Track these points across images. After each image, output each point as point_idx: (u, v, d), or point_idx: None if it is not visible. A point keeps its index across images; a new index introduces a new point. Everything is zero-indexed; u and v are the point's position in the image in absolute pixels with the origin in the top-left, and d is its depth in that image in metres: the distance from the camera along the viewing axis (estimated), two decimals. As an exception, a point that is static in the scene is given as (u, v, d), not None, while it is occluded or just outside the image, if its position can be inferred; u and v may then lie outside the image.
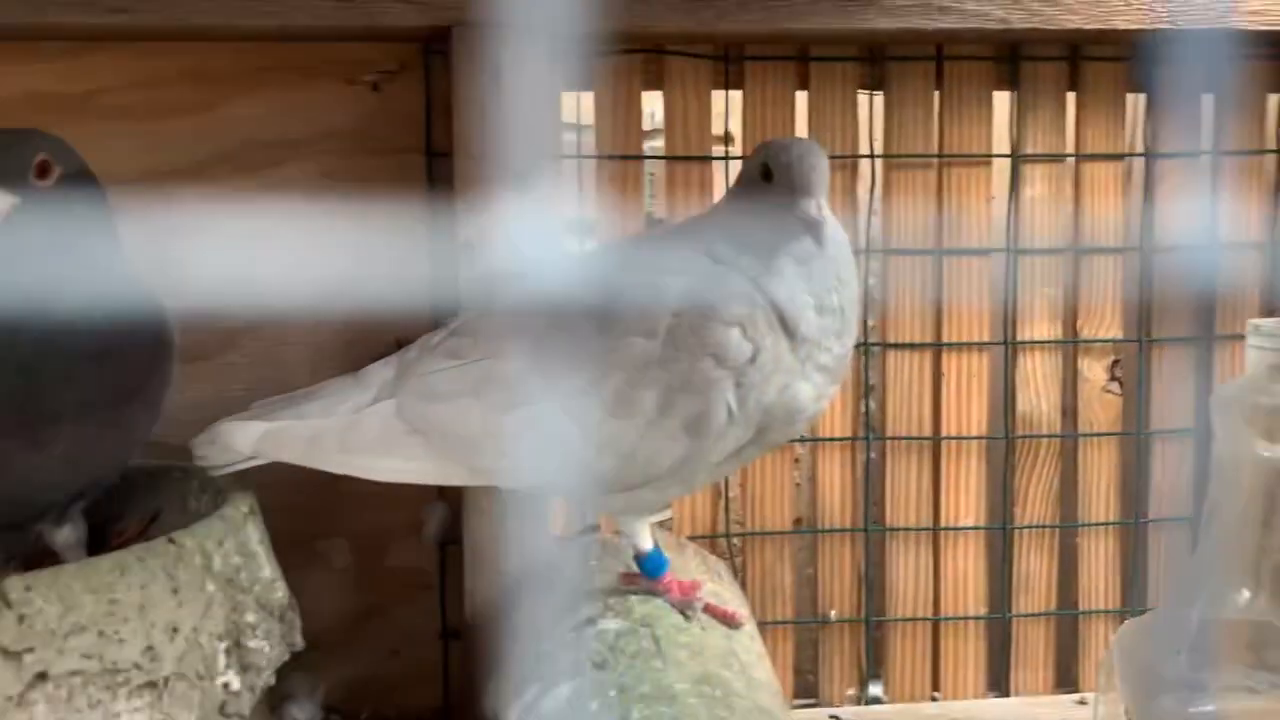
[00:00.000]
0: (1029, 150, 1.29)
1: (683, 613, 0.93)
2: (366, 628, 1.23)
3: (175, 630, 0.78)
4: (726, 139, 1.26)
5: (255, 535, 0.91)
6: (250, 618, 0.86)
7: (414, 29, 1.11)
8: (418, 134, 1.19)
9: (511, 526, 1.16)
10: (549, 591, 1.04)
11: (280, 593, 0.92)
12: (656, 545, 0.96)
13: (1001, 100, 1.30)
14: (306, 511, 1.18)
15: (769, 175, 0.86)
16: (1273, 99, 1.33)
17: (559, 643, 0.91)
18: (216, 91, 1.17)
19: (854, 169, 1.27)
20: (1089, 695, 1.31)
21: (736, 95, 1.25)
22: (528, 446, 0.89)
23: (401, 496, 1.16)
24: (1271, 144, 1.34)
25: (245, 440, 0.93)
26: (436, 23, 1.09)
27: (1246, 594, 0.89)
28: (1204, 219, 1.34)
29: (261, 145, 1.18)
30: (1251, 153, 1.32)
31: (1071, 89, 1.30)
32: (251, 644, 0.85)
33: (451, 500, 1.19)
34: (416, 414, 0.92)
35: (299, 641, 0.93)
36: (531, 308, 0.91)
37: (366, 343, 1.20)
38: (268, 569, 0.91)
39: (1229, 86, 1.31)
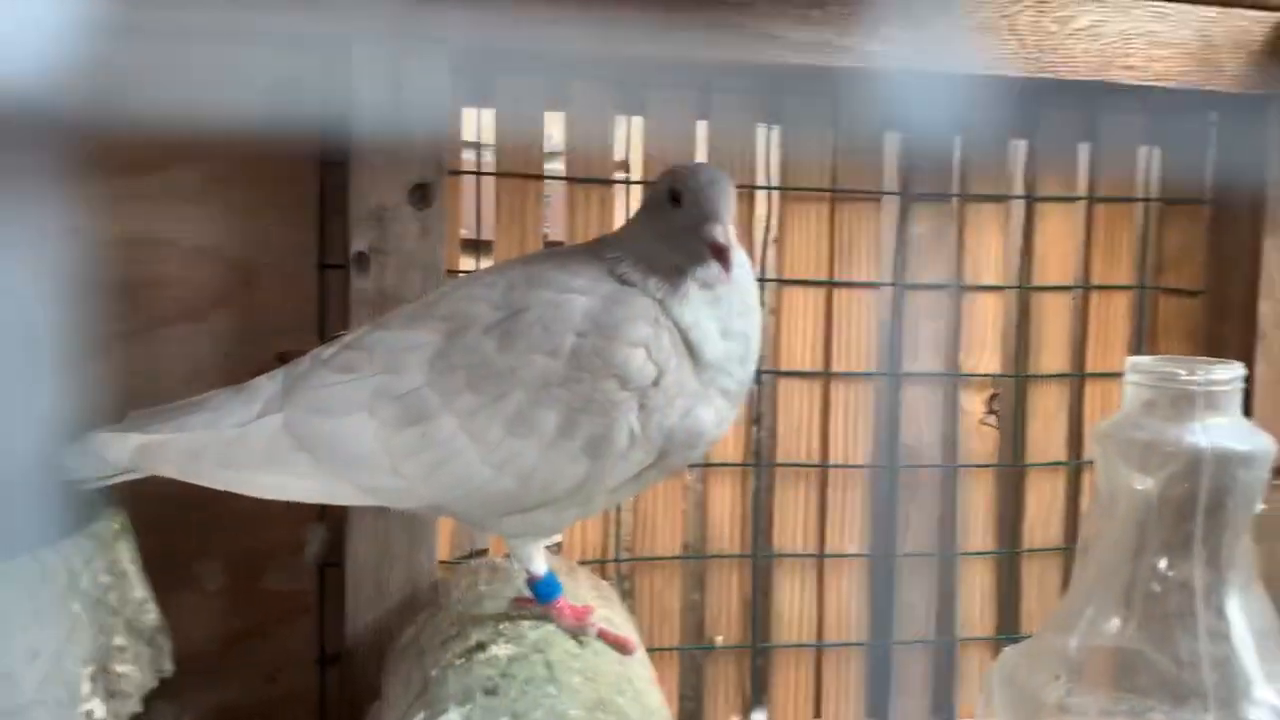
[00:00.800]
0: (918, 189, 1.33)
1: (576, 638, 0.92)
2: (241, 652, 1.18)
3: (36, 654, 0.73)
4: (627, 165, 1.26)
5: (127, 554, 0.86)
6: (119, 641, 0.81)
7: (312, 35, 1.08)
8: (313, 141, 1.16)
9: (397, 547, 1.13)
10: (436, 615, 1.01)
11: (151, 615, 0.87)
12: (550, 570, 0.94)
13: (893, 139, 1.33)
14: (181, 530, 1.13)
15: (677, 199, 0.86)
16: (1142, 150, 1.40)
17: (447, 668, 0.88)
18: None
19: (751, 200, 1.29)
20: (964, 721, 1.34)
21: (638, 121, 1.26)
22: (422, 465, 0.87)
23: (281, 516, 1.12)
24: (1141, 193, 1.41)
25: (120, 452, 0.89)
26: (336, 29, 1.07)
27: (1117, 621, 0.93)
28: (1077, 260, 1.40)
29: (145, 146, 1.12)
30: (1122, 200, 1.39)
31: (958, 131, 1.35)
32: (119, 669, 0.81)
33: (334, 520, 1.15)
34: (305, 429, 0.88)
35: (169, 667, 0.89)
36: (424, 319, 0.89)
37: (246, 355, 1.16)
38: (139, 589, 0.86)
39: (1100, 136, 1.38)
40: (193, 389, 1.13)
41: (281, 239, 1.16)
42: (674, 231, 0.86)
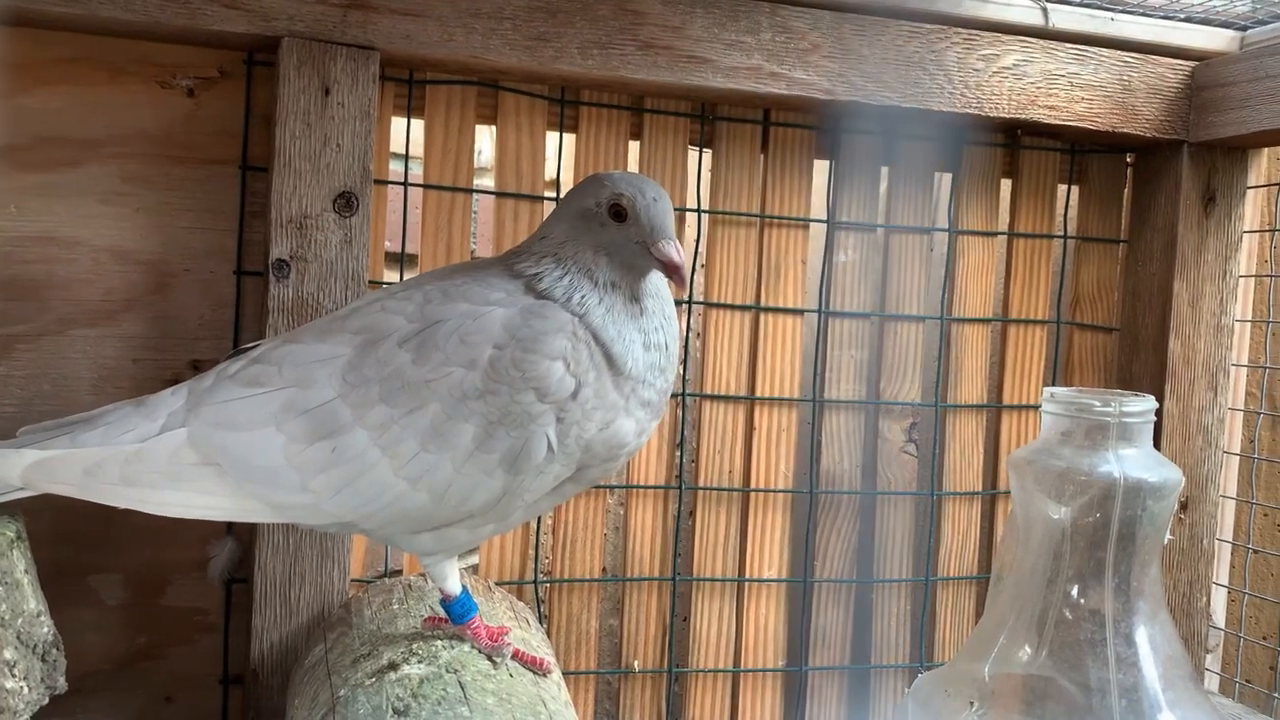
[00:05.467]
0: (844, 218, 1.35)
1: (490, 659, 0.90)
2: (139, 671, 1.13)
3: (-83, 667, 0.69)
4: (558, 183, 1.26)
5: (21, 564, 0.83)
6: (9, 655, 0.77)
7: (241, 35, 1.05)
8: (234, 145, 1.13)
9: (307, 564, 1.10)
10: (347, 634, 0.98)
11: (45, 628, 0.83)
12: (465, 588, 0.92)
13: (821, 168, 1.35)
14: (79, 542, 1.09)
15: (621, 215, 0.86)
16: (1061, 188, 1.44)
17: (357, 688, 0.86)
18: (12, 79, 1.07)
19: (681, 222, 1.29)
20: (877, 748, 1.34)
21: (570, 139, 1.25)
22: (334, 480, 0.84)
23: (186, 530, 1.08)
24: (1059, 229, 1.44)
25: (12, 469, 0.85)
26: (266, 32, 1.05)
27: (1029, 649, 0.94)
28: (997, 293, 1.43)
29: (57, 141, 1.09)
30: (1041, 236, 1.42)
31: (886, 163, 1.37)
32: (8, 684, 0.77)
33: (242, 534, 1.12)
34: (211, 444, 0.85)
35: (62, 683, 0.85)
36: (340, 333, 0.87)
37: (157, 361, 1.12)
38: (33, 601, 0.82)
39: (1021, 173, 1.41)
40: (101, 395, 1.10)
41: (198, 243, 1.13)
42: (616, 246, 0.86)
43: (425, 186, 1.20)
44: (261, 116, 1.13)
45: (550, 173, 1.25)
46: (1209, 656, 1.42)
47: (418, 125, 1.20)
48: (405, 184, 1.20)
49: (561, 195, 1.25)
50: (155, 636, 1.14)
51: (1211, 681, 1.41)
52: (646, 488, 1.29)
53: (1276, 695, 1.43)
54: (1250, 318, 1.43)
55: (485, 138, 1.37)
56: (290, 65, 1.06)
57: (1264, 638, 1.55)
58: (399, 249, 1.21)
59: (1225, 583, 1.44)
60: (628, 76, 1.17)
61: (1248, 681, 1.49)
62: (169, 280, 1.13)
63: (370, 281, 1.13)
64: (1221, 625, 1.43)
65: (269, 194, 1.08)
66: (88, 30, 1.07)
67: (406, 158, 1.21)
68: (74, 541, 1.09)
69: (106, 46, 1.09)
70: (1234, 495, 1.44)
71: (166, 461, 0.85)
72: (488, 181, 1.29)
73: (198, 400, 0.87)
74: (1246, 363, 1.44)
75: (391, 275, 1.24)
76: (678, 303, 0.95)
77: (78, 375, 1.10)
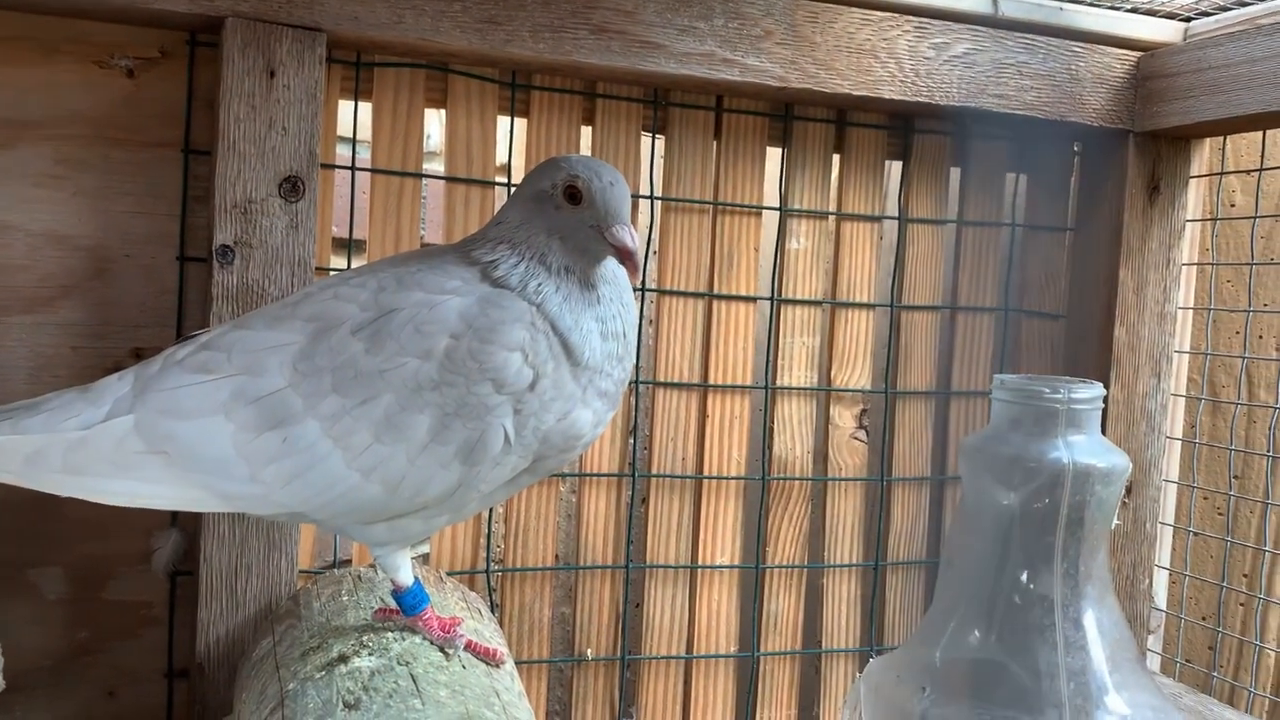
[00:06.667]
0: (796, 206, 1.35)
1: (443, 650, 0.89)
2: (80, 666, 1.11)
3: None
4: (509, 168, 1.24)
5: (-45, 559, 0.80)
6: (-58, 653, 0.75)
7: (183, 15, 1.02)
8: (176, 128, 1.10)
9: (254, 555, 1.08)
10: (295, 627, 0.97)
11: (-19, 625, 0.81)
12: (417, 579, 0.91)
13: (774, 156, 1.35)
14: (16, 535, 1.06)
15: (575, 197, 0.84)
16: (1010, 177, 1.45)
17: (306, 681, 0.84)
18: (-60, 58, 1.04)
19: (635, 208, 1.28)
20: (828, 732, 1.36)
21: (521, 124, 1.24)
22: (284, 470, 0.83)
23: (129, 521, 1.06)
24: (1007, 217, 1.46)
25: None
26: (209, 12, 1.02)
27: (979, 634, 0.95)
28: (946, 281, 1.44)
29: (-12, 122, 1.06)
30: (990, 224, 1.43)
31: (837, 151, 1.37)
32: (-58, 684, 0.74)
33: (187, 526, 1.09)
34: (158, 432, 0.83)
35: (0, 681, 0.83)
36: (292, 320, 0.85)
37: (98, 349, 1.09)
38: (-33, 598, 0.80)
39: (970, 161, 1.42)
40: (38, 384, 1.07)
41: (139, 228, 1.10)
42: (571, 230, 0.85)
43: (373, 171, 1.18)
44: (205, 98, 1.10)
45: (501, 158, 1.24)
46: (1151, 637, 1.45)
47: (365, 108, 1.18)
48: (353, 168, 1.18)
49: (513, 181, 1.23)
50: (97, 631, 1.11)
51: (1153, 662, 1.44)
52: (599, 475, 1.29)
53: (1215, 674, 1.46)
54: (1192, 305, 1.46)
55: (434, 122, 1.35)
56: (234, 46, 1.03)
57: (1203, 618, 1.59)
58: (347, 235, 1.19)
59: (1167, 565, 1.47)
60: (580, 61, 1.15)
61: (1188, 661, 1.53)
62: (109, 266, 1.10)
63: (317, 268, 1.11)
64: (1163, 607, 1.46)
65: (212, 178, 1.05)
66: (20, 8, 1.04)
67: (354, 141, 1.19)
68: (10, 535, 1.06)
69: (40, 25, 1.06)
70: (1176, 479, 1.47)
71: (112, 449, 0.83)
72: (437, 166, 1.27)
73: (144, 386, 0.85)
74: (1189, 349, 1.46)
75: (339, 262, 1.22)
76: (634, 291, 0.95)
77: (13, 364, 1.07)
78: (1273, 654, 1.57)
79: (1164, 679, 1.40)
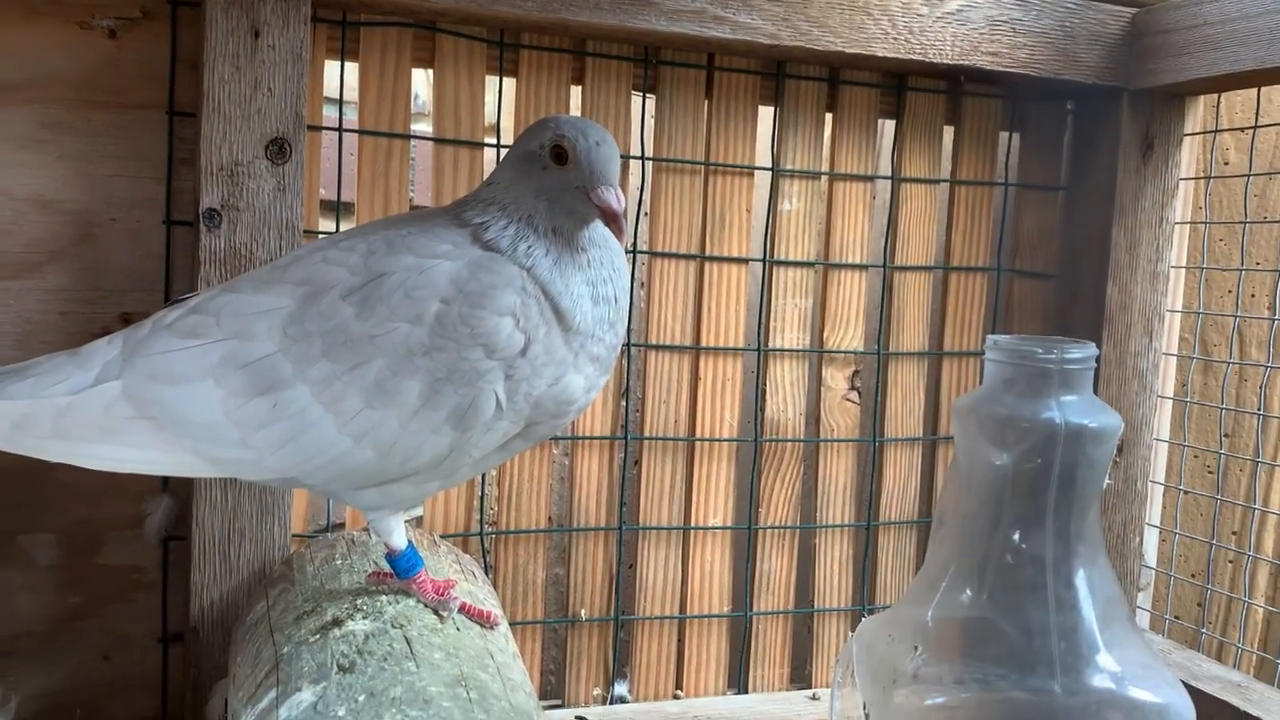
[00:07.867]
0: (788, 166, 1.34)
1: (437, 613, 0.89)
2: (74, 631, 1.11)
3: None
4: (498, 129, 1.23)
5: (-55, 526, 0.80)
6: (-66, 621, 0.75)
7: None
8: (159, 89, 1.09)
9: (247, 519, 1.08)
10: (289, 591, 0.97)
11: (-27, 592, 0.81)
12: (410, 543, 0.91)
13: (766, 115, 1.34)
14: (7, 502, 1.05)
15: (562, 157, 0.83)
16: (1003, 136, 1.44)
17: (300, 645, 0.84)
18: (-83, 19, 1.02)
19: (625, 169, 1.27)
20: (821, 691, 1.37)
21: (510, 84, 1.22)
22: (274, 436, 0.82)
23: (120, 486, 1.06)
24: (1000, 177, 1.45)
25: None
26: (189, -31, 1.00)
27: (970, 593, 0.95)
28: (938, 242, 1.43)
29: (-31, 85, 1.04)
30: (983, 183, 1.42)
31: (830, 110, 1.36)
32: (-65, 651, 0.74)
33: (178, 491, 1.09)
34: (147, 397, 0.83)
35: (-7, 648, 0.83)
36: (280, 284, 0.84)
37: (84, 315, 1.09)
38: (-41, 565, 0.80)
39: (963, 120, 1.41)
40: (26, 349, 1.06)
41: (124, 191, 1.09)
42: (557, 191, 0.83)
43: (361, 132, 1.16)
44: (188, 59, 1.08)
45: (490, 118, 1.22)
46: (1140, 595, 1.46)
47: (352, 69, 1.17)
48: (340, 130, 1.16)
49: (502, 142, 1.22)
50: (90, 596, 1.11)
51: (1143, 619, 1.46)
52: (592, 438, 1.29)
53: (1204, 631, 1.48)
54: (1184, 264, 1.45)
55: (422, 82, 1.33)
56: (217, 6, 1.02)
57: (1192, 575, 1.60)
58: (335, 197, 1.18)
59: (1157, 523, 1.48)
60: (569, 19, 1.14)
61: (1177, 618, 1.54)
62: (95, 230, 1.08)
63: (305, 231, 1.09)
64: (1153, 564, 1.47)
65: (198, 140, 1.04)
66: (-2, -33, 1.02)
67: (341, 102, 1.17)
68: (2, 501, 1.05)
69: (18, -15, 1.04)
70: (1167, 438, 1.47)
71: (101, 414, 0.82)
72: (425, 127, 1.26)
73: (133, 351, 0.84)
74: (1180, 308, 1.46)
75: (327, 224, 1.21)
76: (626, 253, 0.94)
77: (1, 331, 1.06)
78: (1260, 610, 1.59)
79: (1153, 635, 1.42)
